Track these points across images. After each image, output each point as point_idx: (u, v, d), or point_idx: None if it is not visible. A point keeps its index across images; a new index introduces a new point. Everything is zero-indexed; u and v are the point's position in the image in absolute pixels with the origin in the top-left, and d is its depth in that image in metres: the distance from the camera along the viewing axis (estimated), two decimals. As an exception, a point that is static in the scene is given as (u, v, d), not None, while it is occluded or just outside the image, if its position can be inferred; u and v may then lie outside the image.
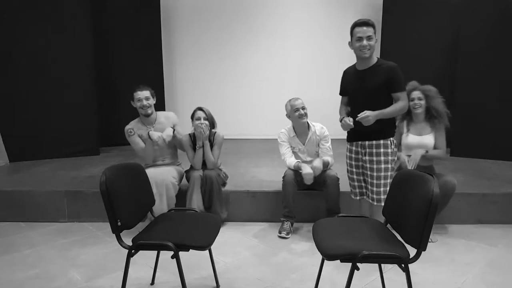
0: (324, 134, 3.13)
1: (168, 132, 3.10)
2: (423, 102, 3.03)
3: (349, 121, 2.47)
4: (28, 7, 4.55)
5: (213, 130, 3.19)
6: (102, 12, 5.50)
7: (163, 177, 2.97)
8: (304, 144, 3.14)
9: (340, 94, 2.80)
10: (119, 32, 5.66)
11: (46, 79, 4.73)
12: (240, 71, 6.66)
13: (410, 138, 3.05)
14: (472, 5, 4.82)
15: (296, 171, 3.03)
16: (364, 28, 2.44)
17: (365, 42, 2.44)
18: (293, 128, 3.16)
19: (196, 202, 3.04)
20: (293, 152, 3.17)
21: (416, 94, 3.04)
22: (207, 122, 3.06)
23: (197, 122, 3.05)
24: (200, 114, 3.08)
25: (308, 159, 3.16)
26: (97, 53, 5.29)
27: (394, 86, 2.48)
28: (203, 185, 3.09)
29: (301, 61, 6.59)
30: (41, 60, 4.68)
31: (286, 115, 3.13)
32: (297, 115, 3.03)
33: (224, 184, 3.35)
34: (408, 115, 3.09)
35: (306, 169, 2.95)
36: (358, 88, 2.56)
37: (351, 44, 2.56)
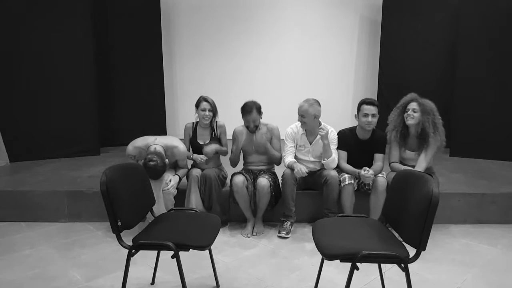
0: (332, 137, 3.09)
1: (175, 180, 3.05)
2: (417, 114, 2.96)
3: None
4: (29, 7, 4.55)
5: (217, 121, 3.31)
6: (102, 12, 5.50)
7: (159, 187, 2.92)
8: (311, 144, 3.13)
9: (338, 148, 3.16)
10: (119, 32, 5.66)
11: (46, 79, 4.73)
12: (241, 71, 6.66)
13: (408, 154, 3.09)
14: (471, 5, 4.82)
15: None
16: (371, 107, 2.96)
17: (370, 118, 2.96)
18: None
19: (194, 202, 3.03)
20: (298, 150, 3.16)
21: (412, 105, 3.00)
22: (211, 114, 3.19)
23: (202, 113, 3.17)
24: (205, 105, 3.18)
25: (312, 159, 3.16)
26: (97, 53, 5.29)
27: (383, 149, 3.12)
28: (202, 184, 3.09)
29: (302, 60, 6.59)
30: (41, 60, 4.67)
31: None
32: (298, 119, 3.09)
33: (224, 184, 3.35)
34: (404, 129, 3.06)
35: (298, 166, 2.95)
36: (360, 154, 3.08)
37: (357, 117, 3.06)
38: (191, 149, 3.35)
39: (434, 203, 1.51)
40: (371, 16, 6.49)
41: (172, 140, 3.08)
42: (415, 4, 5.65)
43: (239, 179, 2.96)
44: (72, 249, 2.81)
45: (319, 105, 3.04)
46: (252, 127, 3.13)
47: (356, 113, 3.07)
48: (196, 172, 3.11)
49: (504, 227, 3.21)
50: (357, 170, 2.97)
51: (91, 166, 4.42)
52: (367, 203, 2.98)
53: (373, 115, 2.96)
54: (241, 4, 6.55)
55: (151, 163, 2.80)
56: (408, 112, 2.99)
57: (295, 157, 3.16)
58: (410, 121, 2.99)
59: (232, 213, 3.26)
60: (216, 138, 3.31)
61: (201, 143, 3.27)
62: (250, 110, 3.06)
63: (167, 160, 2.94)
